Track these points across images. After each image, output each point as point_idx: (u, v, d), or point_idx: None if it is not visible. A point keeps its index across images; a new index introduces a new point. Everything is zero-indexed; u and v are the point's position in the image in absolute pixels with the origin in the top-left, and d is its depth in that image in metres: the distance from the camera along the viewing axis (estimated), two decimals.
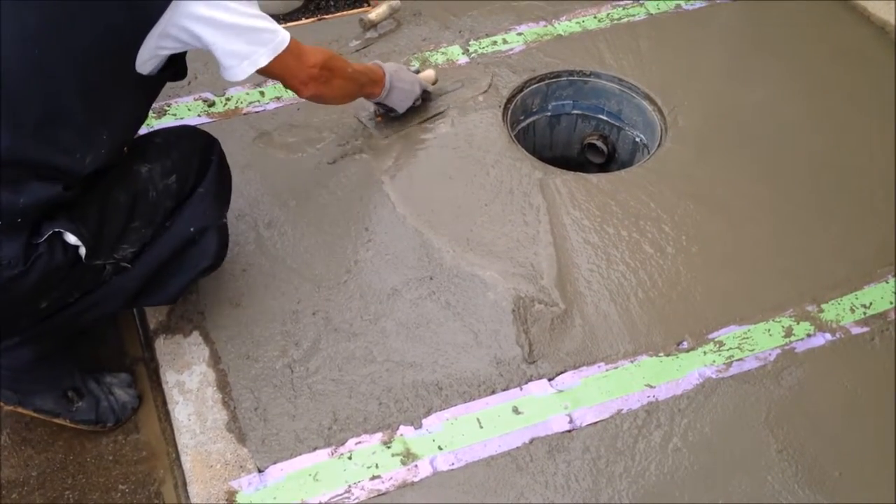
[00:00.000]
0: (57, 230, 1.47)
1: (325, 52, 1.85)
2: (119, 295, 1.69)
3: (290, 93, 2.35)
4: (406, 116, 2.29)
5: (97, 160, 1.52)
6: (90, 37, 1.42)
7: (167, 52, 1.56)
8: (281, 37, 1.67)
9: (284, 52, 1.68)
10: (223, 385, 1.76)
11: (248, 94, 2.39)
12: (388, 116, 2.29)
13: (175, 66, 1.64)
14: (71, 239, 1.49)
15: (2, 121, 1.38)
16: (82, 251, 1.51)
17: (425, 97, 2.33)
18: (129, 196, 1.61)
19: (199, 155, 1.75)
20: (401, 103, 2.22)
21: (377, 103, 2.21)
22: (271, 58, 1.65)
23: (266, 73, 1.70)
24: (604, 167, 2.58)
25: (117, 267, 1.62)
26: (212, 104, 2.35)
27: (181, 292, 1.79)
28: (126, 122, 1.63)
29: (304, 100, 1.89)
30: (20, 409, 1.73)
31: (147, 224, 1.65)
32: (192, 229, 1.71)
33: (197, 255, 1.74)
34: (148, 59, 1.52)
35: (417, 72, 2.35)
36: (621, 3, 2.74)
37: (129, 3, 1.44)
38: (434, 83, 2.37)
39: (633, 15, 2.69)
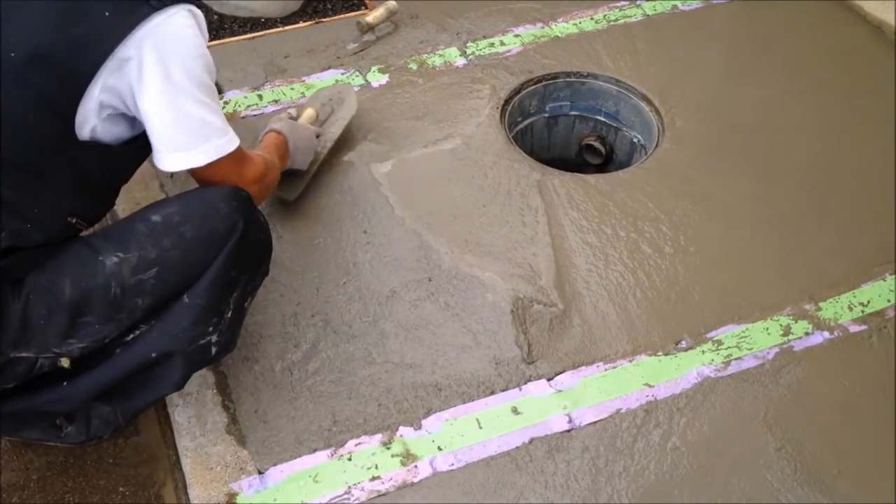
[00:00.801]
0: None
1: (263, 162, 1.68)
2: (73, 398, 1.56)
3: (288, 96, 2.40)
4: (307, 170, 2.09)
5: (17, 237, 1.39)
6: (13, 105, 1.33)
7: (112, 124, 1.46)
8: (227, 141, 1.51)
9: (226, 157, 1.51)
10: (223, 387, 1.76)
11: (245, 97, 2.39)
12: (289, 174, 2.03)
13: (145, 141, 1.49)
14: None
15: None
16: None
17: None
18: (78, 289, 1.43)
19: (206, 243, 1.51)
20: (304, 162, 2.03)
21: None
22: (210, 159, 1.49)
23: (197, 174, 1.53)
24: (602, 168, 2.59)
25: (55, 363, 1.47)
26: None
27: (146, 407, 1.66)
28: (70, 194, 1.47)
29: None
30: (7, 436, 1.73)
31: (105, 321, 1.46)
32: (153, 354, 1.52)
33: (161, 377, 1.57)
34: (90, 127, 1.42)
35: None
36: (618, 4, 2.75)
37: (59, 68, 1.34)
38: (316, 119, 2.19)
39: (630, 16, 2.70)
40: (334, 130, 2.20)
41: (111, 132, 1.48)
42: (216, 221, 1.51)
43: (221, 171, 1.52)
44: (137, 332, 1.52)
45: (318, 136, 2.12)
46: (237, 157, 1.55)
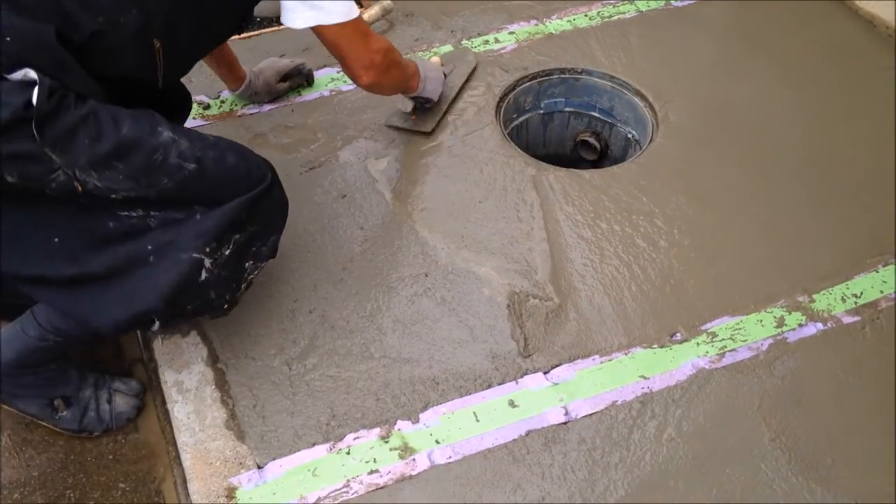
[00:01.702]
0: (32, 77, 1.35)
1: (387, 41, 1.84)
2: (66, 262, 1.52)
3: (286, 94, 2.41)
4: (438, 103, 2.33)
5: (111, 26, 1.43)
6: None
7: None
8: (352, 6, 1.66)
9: (353, 22, 1.66)
10: (222, 383, 1.77)
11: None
12: (424, 108, 2.31)
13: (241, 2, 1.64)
14: (31, 76, 1.34)
15: None
16: (34, 96, 1.34)
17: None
18: (132, 135, 1.47)
19: (237, 176, 1.60)
20: (434, 92, 2.24)
21: (414, 98, 2.22)
22: (339, 20, 1.63)
23: (331, 42, 1.68)
24: (596, 164, 2.60)
25: (68, 185, 1.43)
26: (207, 107, 2.36)
27: (114, 327, 1.58)
28: (165, 13, 1.51)
29: (360, 88, 1.89)
30: (4, 405, 1.76)
31: (131, 177, 1.47)
32: (149, 247, 1.54)
33: (142, 282, 1.55)
34: None
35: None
36: (611, 0, 2.76)
37: None
38: (441, 66, 2.42)
39: (624, 13, 2.72)
40: (461, 73, 2.45)
41: None
42: (252, 165, 1.65)
43: (347, 35, 1.68)
44: (133, 214, 1.53)
45: (445, 77, 2.34)
46: (360, 25, 1.69)
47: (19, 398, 1.78)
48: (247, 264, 1.69)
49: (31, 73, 1.34)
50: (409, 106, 2.26)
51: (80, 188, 1.44)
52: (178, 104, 1.93)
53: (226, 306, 1.69)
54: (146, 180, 1.49)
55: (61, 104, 1.39)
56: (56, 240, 1.52)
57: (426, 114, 2.32)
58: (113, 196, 1.48)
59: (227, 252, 1.61)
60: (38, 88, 1.34)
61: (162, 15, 1.51)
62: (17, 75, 1.34)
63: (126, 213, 1.52)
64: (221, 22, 1.70)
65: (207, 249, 1.58)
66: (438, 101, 2.32)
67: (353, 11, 1.67)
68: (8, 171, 1.38)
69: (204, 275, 1.59)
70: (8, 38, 1.32)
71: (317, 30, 1.68)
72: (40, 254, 1.53)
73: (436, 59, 2.42)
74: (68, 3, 1.39)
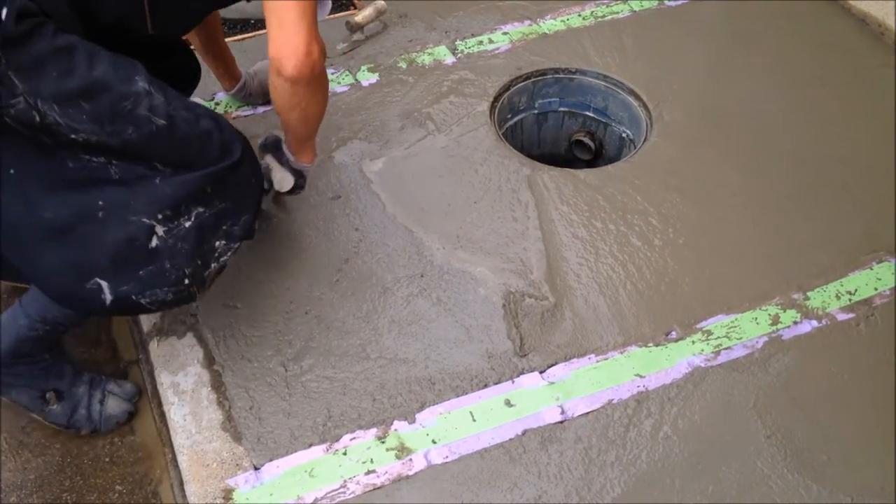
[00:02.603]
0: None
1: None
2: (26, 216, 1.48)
3: None
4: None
5: None
6: None
7: None
8: None
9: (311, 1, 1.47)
10: (218, 385, 1.77)
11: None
12: (293, 193, 1.96)
13: None
14: None
15: None
16: (3, 13, 1.29)
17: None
18: (105, 79, 1.42)
19: (206, 143, 1.54)
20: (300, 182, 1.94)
21: (297, 170, 1.90)
22: None
23: (276, 8, 1.48)
24: (591, 163, 2.61)
25: (27, 114, 1.38)
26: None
27: (59, 290, 1.55)
28: None
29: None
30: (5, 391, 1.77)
31: (95, 119, 1.42)
32: (100, 202, 1.48)
33: (88, 239, 1.49)
34: None
35: None
36: (605, 0, 2.77)
37: None
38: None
39: (617, 12, 2.72)
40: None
41: None
42: (225, 137, 1.58)
43: (298, 7, 1.47)
44: (95, 160, 1.47)
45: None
46: (314, 7, 1.51)
47: (13, 387, 1.78)
48: (217, 243, 1.62)
49: None
50: (289, 185, 1.90)
51: (38, 119, 1.38)
52: (184, 73, 1.88)
53: (187, 281, 1.59)
54: (110, 126, 1.44)
55: (35, 30, 1.35)
56: (12, 171, 1.48)
57: (279, 201, 2.08)
58: (73, 136, 1.43)
59: (188, 224, 1.55)
60: (8, 5, 1.29)
61: None
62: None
63: (87, 157, 1.47)
64: None
65: (160, 216, 1.52)
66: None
67: None
68: None
69: (155, 241, 1.53)
70: None
71: None
72: None
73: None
74: None
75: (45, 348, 1.77)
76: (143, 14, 1.55)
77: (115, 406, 1.87)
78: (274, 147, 1.86)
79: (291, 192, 1.92)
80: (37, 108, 1.38)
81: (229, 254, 1.66)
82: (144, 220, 1.50)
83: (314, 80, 1.56)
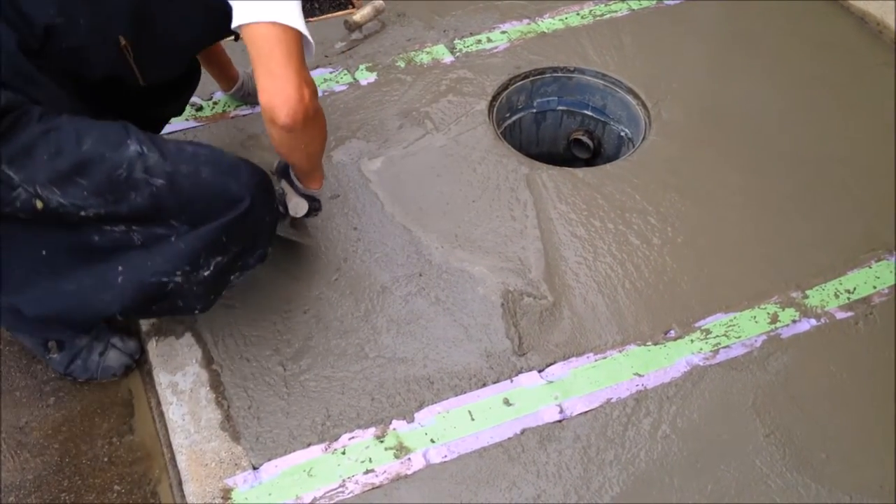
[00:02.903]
0: None
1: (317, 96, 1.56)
2: (32, 263, 1.54)
3: None
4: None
5: (68, 27, 1.42)
6: None
7: None
8: (296, 16, 1.41)
9: (298, 36, 1.41)
10: (216, 385, 1.77)
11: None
12: (307, 216, 1.91)
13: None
14: None
15: None
16: None
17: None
18: (94, 151, 1.43)
19: (213, 193, 1.52)
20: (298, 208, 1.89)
21: (308, 196, 1.87)
22: (285, 21, 1.39)
23: (261, 45, 1.41)
24: (590, 162, 2.61)
25: (29, 203, 1.42)
26: (199, 108, 2.36)
27: (77, 322, 1.64)
28: (127, 11, 1.47)
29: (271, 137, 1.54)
30: (5, 327, 1.87)
31: (95, 193, 1.44)
32: (119, 268, 1.53)
33: (104, 289, 1.54)
34: None
35: None
36: None
37: None
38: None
39: (615, 11, 2.72)
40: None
41: None
42: (232, 182, 1.53)
43: (286, 46, 1.40)
44: (116, 229, 1.51)
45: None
46: (302, 51, 1.44)
47: (18, 331, 1.86)
48: (231, 277, 1.66)
49: None
50: (303, 210, 1.86)
51: (40, 205, 1.42)
52: (183, 85, 1.89)
53: (196, 311, 1.67)
54: (112, 196, 1.46)
55: (20, 121, 1.39)
56: (44, 252, 1.54)
57: (297, 224, 1.99)
58: (83, 214, 1.46)
59: (207, 273, 1.58)
60: None
61: (122, 12, 1.48)
62: None
63: (109, 228, 1.51)
64: (201, 21, 1.58)
65: (178, 273, 1.55)
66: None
67: (299, 21, 1.43)
68: None
69: (171, 286, 1.57)
70: None
71: (249, 30, 1.42)
72: (26, 269, 1.56)
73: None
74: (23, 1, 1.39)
75: None
76: (131, 69, 1.56)
77: (114, 359, 1.90)
78: (284, 173, 1.83)
79: (308, 215, 1.89)
80: (38, 195, 1.41)
81: (241, 279, 1.70)
82: (164, 279, 1.54)
83: (310, 123, 1.50)
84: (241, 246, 1.61)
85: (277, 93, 1.42)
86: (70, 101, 1.49)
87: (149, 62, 1.59)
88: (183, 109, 2.02)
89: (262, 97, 1.43)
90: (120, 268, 1.54)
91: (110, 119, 1.52)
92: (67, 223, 1.48)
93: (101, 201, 1.46)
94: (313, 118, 1.49)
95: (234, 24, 1.42)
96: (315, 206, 1.90)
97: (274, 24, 1.39)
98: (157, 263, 1.53)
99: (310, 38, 1.46)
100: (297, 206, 1.85)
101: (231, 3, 1.42)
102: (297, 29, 1.42)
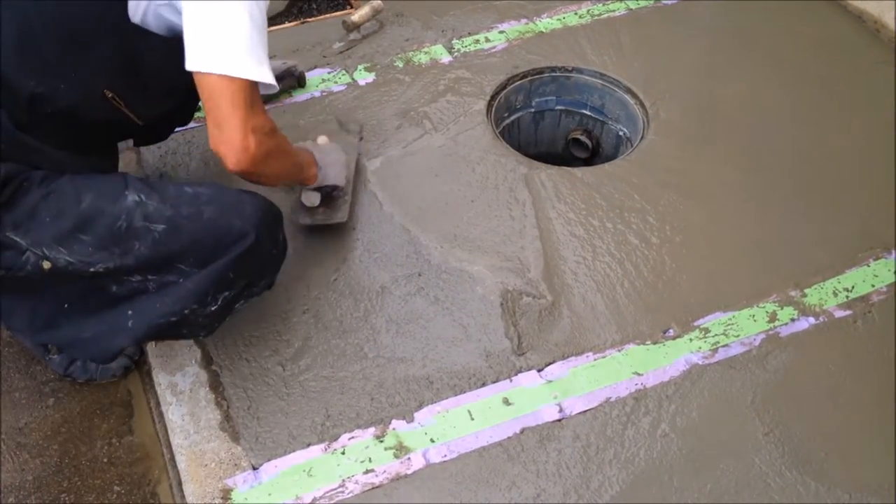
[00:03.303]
0: None
1: (274, 125, 1.53)
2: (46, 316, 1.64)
3: (275, 95, 2.41)
4: (345, 187, 2.02)
5: (53, 93, 1.46)
6: None
7: (166, 14, 1.46)
8: (247, 69, 1.39)
9: (237, 82, 1.39)
10: (216, 385, 1.77)
11: None
12: (331, 196, 2.00)
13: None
14: None
15: None
16: None
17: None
18: (93, 206, 1.49)
19: (217, 232, 1.54)
20: (339, 177, 1.94)
21: (318, 188, 1.92)
22: (216, 70, 1.38)
23: (204, 93, 1.42)
24: (588, 162, 2.61)
25: (38, 265, 1.49)
26: (199, 109, 2.36)
27: (94, 353, 1.72)
28: (109, 66, 1.50)
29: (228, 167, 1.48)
30: (5, 324, 1.87)
31: (99, 247, 1.50)
32: (129, 312, 1.58)
33: (119, 326, 1.60)
34: (142, 11, 1.45)
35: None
36: None
37: None
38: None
39: (614, 10, 2.72)
40: (352, 155, 2.14)
41: (164, 23, 1.49)
42: (236, 220, 1.55)
43: (225, 95, 1.39)
44: (133, 280, 1.55)
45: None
46: (254, 94, 1.43)
47: (19, 332, 1.86)
48: (237, 305, 1.68)
49: None
50: (316, 199, 1.95)
51: (47, 266, 1.48)
52: (185, 104, 1.92)
53: (201, 336, 1.73)
54: (117, 248, 1.50)
55: (22, 187, 1.45)
56: (66, 306, 1.62)
57: (335, 202, 2.01)
58: (92, 270, 1.51)
59: (213, 308, 1.61)
60: None
61: (101, 69, 1.51)
62: None
63: (126, 278, 1.56)
64: (181, 65, 1.49)
65: (187, 311, 1.58)
66: (346, 185, 2.02)
67: (243, 72, 1.39)
68: None
69: (178, 321, 1.60)
70: None
71: (196, 77, 1.41)
72: (51, 315, 1.64)
73: (323, 138, 2.04)
74: (7, 75, 1.44)
75: None
76: (125, 115, 1.60)
77: (114, 360, 1.91)
78: None
79: (332, 197, 1.99)
80: (45, 257, 1.48)
81: (245, 305, 1.73)
82: (172, 319, 1.58)
83: (259, 165, 1.47)
84: (249, 279, 1.64)
85: (222, 142, 1.43)
86: (72, 158, 1.55)
87: (142, 106, 1.62)
88: (190, 118, 2.04)
89: (210, 143, 1.45)
90: (130, 312, 1.58)
91: (116, 153, 1.63)
92: (83, 279, 1.53)
93: (107, 255, 1.50)
94: (263, 160, 1.48)
95: (186, 67, 1.41)
96: (327, 190, 1.95)
97: (219, 76, 1.39)
98: (167, 304, 1.57)
99: (265, 79, 1.44)
100: (309, 198, 1.95)
101: (186, 45, 1.41)
102: (243, 78, 1.40)
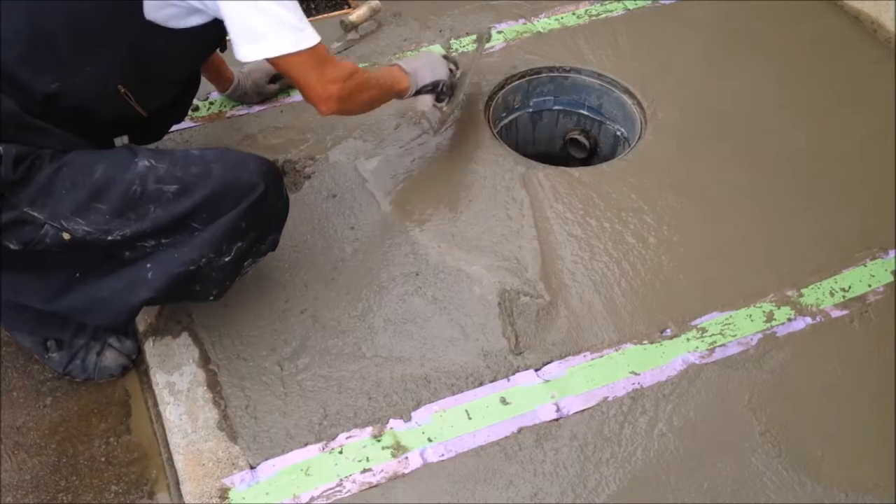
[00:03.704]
0: None
1: (351, 67, 1.73)
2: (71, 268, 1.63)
3: (274, 95, 2.41)
4: (459, 80, 2.19)
5: (67, 90, 1.53)
6: None
7: (182, 7, 1.55)
8: (304, 37, 1.58)
9: (305, 53, 1.59)
10: (213, 384, 1.77)
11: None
12: (443, 93, 2.13)
13: (210, 31, 1.62)
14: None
15: None
16: (2, 173, 1.43)
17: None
18: (106, 175, 1.53)
19: (227, 186, 1.61)
20: (437, 72, 2.08)
21: (419, 93, 2.08)
22: (285, 52, 1.57)
23: (282, 71, 1.67)
24: (586, 162, 2.61)
25: (58, 237, 1.52)
26: (196, 109, 2.36)
27: (112, 316, 1.69)
28: (122, 63, 1.59)
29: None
30: (5, 328, 1.91)
31: (115, 214, 1.54)
32: (148, 265, 1.61)
33: (139, 279, 1.63)
34: (159, 8, 1.53)
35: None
36: None
37: None
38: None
39: (611, 11, 2.73)
40: (467, 63, 2.27)
41: (179, 20, 1.58)
42: (243, 173, 1.63)
43: (299, 65, 1.61)
44: (147, 245, 1.60)
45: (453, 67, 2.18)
46: (317, 55, 1.62)
47: (17, 331, 1.88)
48: (245, 263, 1.73)
49: None
50: (428, 102, 2.11)
51: (67, 237, 1.52)
52: (183, 97, 1.99)
53: (211, 298, 1.73)
54: (132, 213, 1.55)
55: (34, 165, 1.48)
56: (77, 274, 1.63)
57: (454, 91, 2.17)
58: (110, 238, 1.55)
59: (228, 259, 1.65)
60: (4, 161, 1.43)
61: (117, 65, 1.58)
62: None
63: (140, 244, 1.59)
64: (189, 56, 1.75)
65: (204, 260, 1.62)
66: (460, 78, 2.18)
67: (305, 41, 1.59)
68: (8, 239, 1.50)
69: (195, 271, 1.63)
70: None
71: (269, 60, 1.61)
72: (63, 283, 1.65)
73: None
74: (19, 71, 1.49)
75: None
76: (133, 107, 1.69)
77: (111, 359, 1.91)
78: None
79: (447, 94, 2.13)
80: (64, 228, 1.52)
81: (253, 267, 1.78)
82: (191, 267, 1.62)
83: (346, 102, 1.72)
84: (259, 231, 1.69)
85: (311, 99, 1.69)
86: (77, 139, 1.59)
87: (148, 97, 1.71)
88: (185, 115, 2.08)
89: (305, 99, 1.70)
90: (148, 265, 1.62)
91: (114, 143, 1.67)
92: (99, 248, 1.57)
93: (124, 221, 1.55)
94: (348, 99, 1.72)
95: (242, 59, 1.58)
96: (428, 89, 2.07)
97: (280, 57, 1.58)
98: (185, 253, 1.61)
99: (312, 41, 1.60)
100: (422, 102, 2.11)
101: (234, 41, 1.56)
102: (300, 50, 1.57)
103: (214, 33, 1.65)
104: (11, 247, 1.52)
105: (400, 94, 2.00)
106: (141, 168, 1.56)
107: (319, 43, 1.61)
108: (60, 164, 1.51)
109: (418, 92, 2.06)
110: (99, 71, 1.56)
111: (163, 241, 1.60)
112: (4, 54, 1.48)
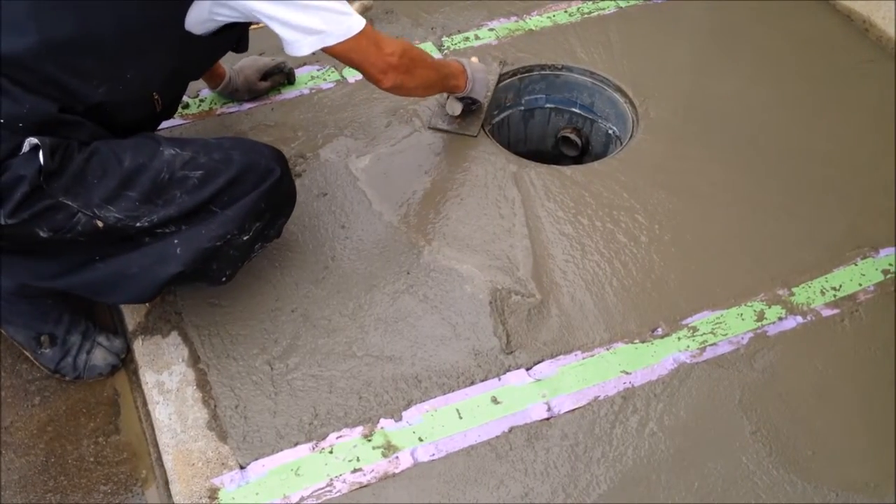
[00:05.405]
0: (35, 143, 1.47)
1: (404, 42, 1.84)
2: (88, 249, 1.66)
3: (265, 92, 2.40)
4: (481, 105, 2.32)
5: (113, 94, 1.59)
6: None
7: (223, 20, 1.64)
8: (353, 20, 1.68)
9: (358, 35, 1.68)
10: (203, 384, 1.76)
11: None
12: (469, 111, 2.29)
13: (234, 34, 1.73)
14: (34, 141, 1.48)
15: (33, 23, 1.46)
16: (42, 162, 1.47)
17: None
18: (135, 163, 1.59)
19: (246, 171, 1.69)
20: (480, 93, 2.23)
21: (461, 98, 2.22)
22: (341, 39, 1.67)
23: (341, 57, 1.73)
24: (578, 160, 2.61)
25: (90, 224, 1.57)
26: (186, 105, 2.35)
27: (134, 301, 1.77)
28: (162, 71, 1.67)
29: (381, 89, 1.85)
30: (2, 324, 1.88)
31: (145, 200, 1.60)
32: (175, 240, 1.66)
33: (161, 260, 1.68)
34: (201, 21, 1.61)
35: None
36: None
37: None
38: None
39: (603, 9, 2.72)
40: (492, 78, 2.40)
41: (211, 27, 1.67)
42: (260, 158, 1.72)
43: (356, 49, 1.71)
44: (168, 230, 1.65)
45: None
46: (368, 34, 1.71)
47: (11, 324, 1.87)
48: (256, 246, 1.79)
49: (34, 139, 1.47)
50: (458, 109, 2.24)
51: (101, 224, 1.57)
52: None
53: (224, 280, 1.78)
54: (160, 199, 1.61)
55: (66, 155, 1.53)
56: (97, 259, 1.68)
57: (471, 116, 2.30)
58: (138, 225, 1.60)
59: (246, 238, 1.72)
60: (42, 151, 1.47)
61: (158, 75, 1.67)
62: (25, 147, 1.47)
63: (161, 230, 1.64)
64: (212, 58, 1.93)
65: (229, 236, 1.69)
66: (482, 103, 2.31)
67: (356, 26, 1.69)
68: (39, 227, 1.53)
69: (219, 247, 1.69)
70: (20, 124, 1.47)
71: (325, 50, 1.70)
72: (79, 264, 1.69)
73: (475, 59, 2.32)
74: (71, 81, 1.53)
75: (47, 293, 1.81)
76: (155, 108, 1.78)
77: (100, 357, 1.91)
78: None
79: (470, 115, 2.29)
80: (96, 216, 1.56)
81: (261, 251, 1.84)
82: (217, 243, 1.68)
83: (408, 74, 1.83)
84: (273, 213, 1.77)
85: (372, 76, 1.80)
86: (102, 131, 1.64)
87: (169, 97, 1.83)
88: (175, 111, 2.10)
89: (368, 79, 1.82)
90: (176, 240, 1.66)
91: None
92: (124, 237, 1.63)
93: (152, 207, 1.61)
94: (407, 70, 1.82)
95: (303, 53, 1.68)
96: (467, 102, 2.24)
97: (335, 46, 1.68)
98: (212, 230, 1.67)
99: (359, 25, 1.69)
100: (453, 106, 2.24)
101: (285, 38, 1.66)
102: (349, 37, 1.68)
103: (237, 35, 1.76)
104: (41, 234, 1.55)
105: (452, 90, 2.14)
106: (167, 156, 1.62)
107: (368, 23, 1.71)
108: (90, 153, 1.56)
109: (461, 98, 2.21)
110: (140, 77, 1.63)
111: (183, 227, 1.65)
112: (50, 61, 1.50)
